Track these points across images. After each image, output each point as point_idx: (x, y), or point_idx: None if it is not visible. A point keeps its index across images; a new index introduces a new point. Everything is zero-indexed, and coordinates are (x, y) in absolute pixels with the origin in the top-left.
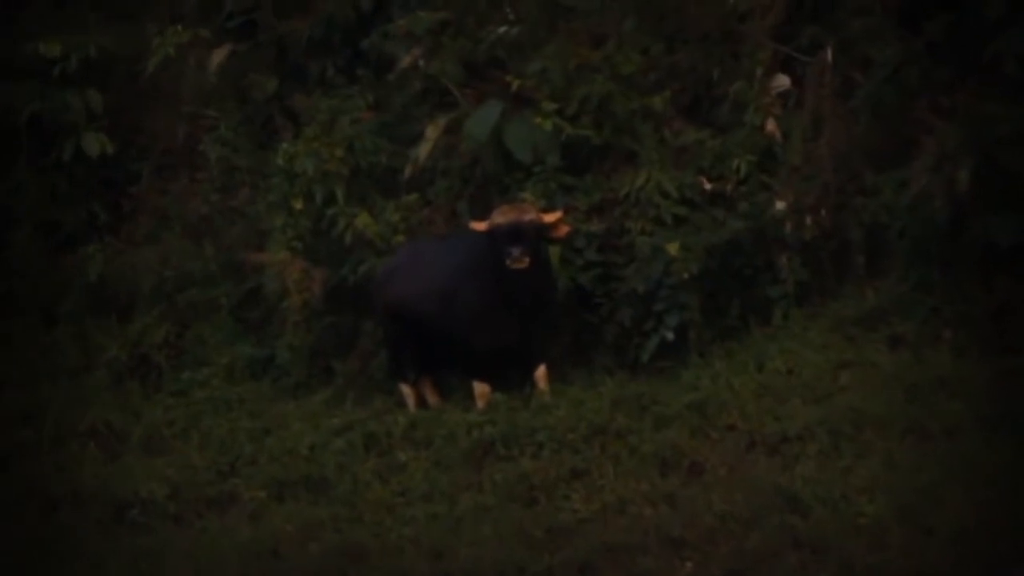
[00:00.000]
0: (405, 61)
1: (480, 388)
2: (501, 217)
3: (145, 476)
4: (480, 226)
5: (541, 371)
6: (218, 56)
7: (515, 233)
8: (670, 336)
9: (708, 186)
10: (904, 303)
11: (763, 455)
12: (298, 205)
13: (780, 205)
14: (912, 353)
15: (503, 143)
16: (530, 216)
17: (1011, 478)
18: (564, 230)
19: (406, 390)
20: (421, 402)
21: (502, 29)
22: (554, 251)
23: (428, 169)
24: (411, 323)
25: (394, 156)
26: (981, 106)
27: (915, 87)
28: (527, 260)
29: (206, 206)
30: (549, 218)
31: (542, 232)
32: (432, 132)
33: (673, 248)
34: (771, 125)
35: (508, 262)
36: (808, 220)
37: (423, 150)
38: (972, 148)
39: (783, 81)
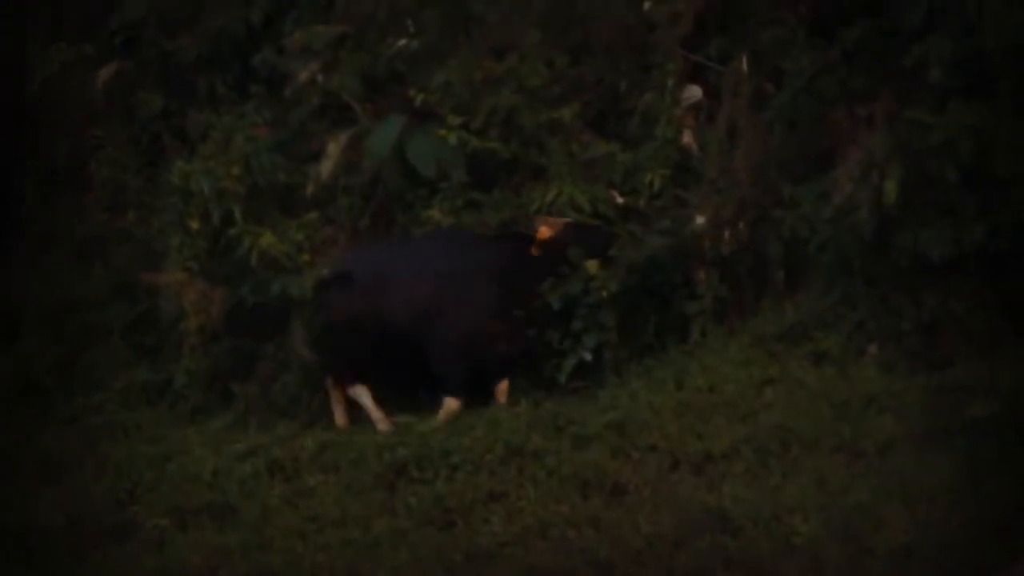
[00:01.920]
0: (302, 76)
1: (451, 404)
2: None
3: (40, 506)
4: (548, 232)
5: (503, 386)
6: (104, 74)
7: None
8: (588, 356)
9: (620, 200)
10: (827, 318)
11: (688, 474)
12: (194, 225)
13: (700, 220)
14: (837, 369)
15: (406, 159)
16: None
17: (947, 495)
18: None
19: (337, 395)
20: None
21: (402, 42)
22: None
23: (329, 186)
24: (374, 335)
25: (292, 173)
26: (910, 114)
27: (831, 96)
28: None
29: (95, 226)
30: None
31: None
32: (334, 148)
33: (592, 266)
34: (688, 137)
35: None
36: (726, 234)
37: (325, 167)
38: (900, 157)
39: (695, 92)
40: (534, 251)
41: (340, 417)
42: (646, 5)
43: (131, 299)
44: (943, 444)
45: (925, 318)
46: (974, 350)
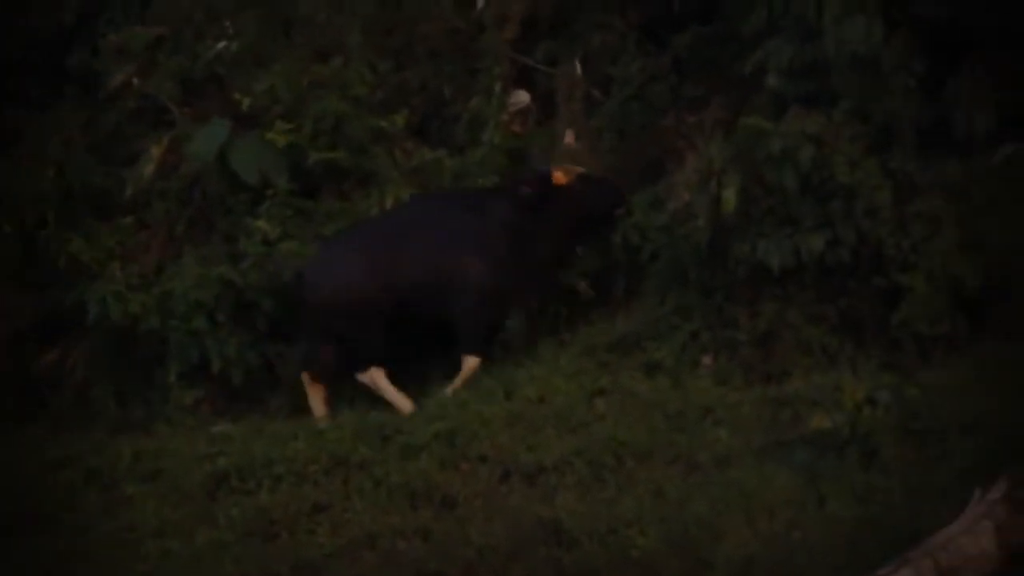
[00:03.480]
0: (118, 79)
1: (473, 362)
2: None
3: None
4: (563, 178)
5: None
6: None
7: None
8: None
9: None
10: (661, 328)
11: (519, 486)
12: (6, 228)
13: None
14: (671, 380)
15: (228, 164)
16: None
17: (788, 507)
18: None
19: (313, 388)
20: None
21: (221, 44)
22: None
23: (146, 191)
24: (386, 309)
25: (108, 177)
26: (749, 121)
27: (662, 104)
28: None
29: None
30: None
31: None
32: (156, 151)
33: None
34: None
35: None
36: None
37: (146, 170)
38: (739, 165)
39: (522, 97)
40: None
41: (320, 408)
42: (477, 6)
43: None
44: (782, 456)
45: (761, 329)
46: (812, 362)
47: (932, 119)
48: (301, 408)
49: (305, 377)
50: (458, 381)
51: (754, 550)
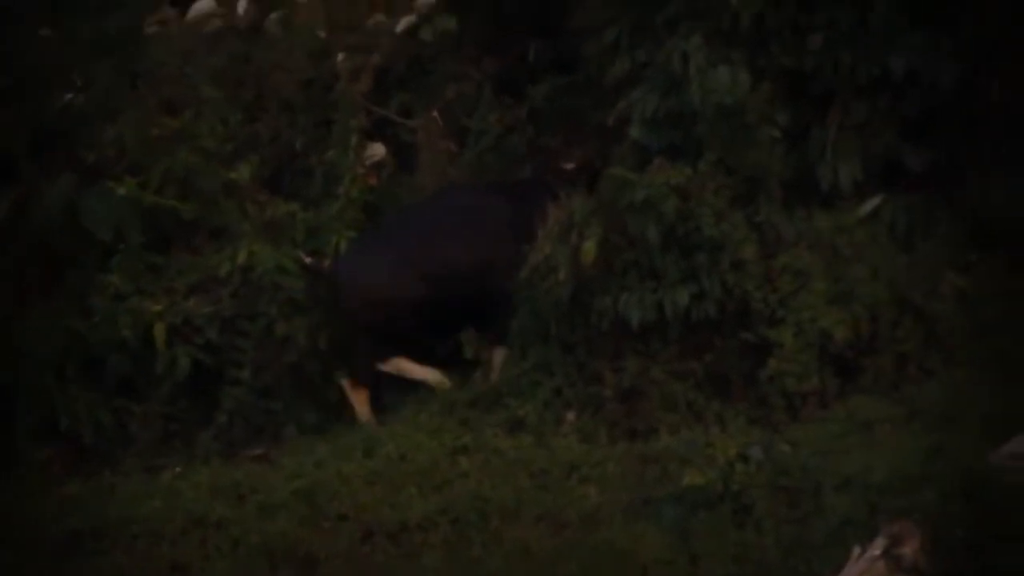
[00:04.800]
0: None
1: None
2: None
3: None
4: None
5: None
6: None
7: None
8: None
9: (308, 260)
10: (522, 385)
11: (382, 545)
12: None
13: None
14: (535, 437)
15: (78, 218)
16: None
17: (660, 566)
18: None
19: (357, 391)
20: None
21: (69, 96)
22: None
23: None
24: (421, 301)
25: None
26: (612, 171)
27: (521, 155)
28: None
29: None
30: None
31: None
32: (3, 206)
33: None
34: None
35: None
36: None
37: None
38: (601, 217)
39: (378, 150)
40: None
41: (365, 411)
42: (338, 58)
43: None
44: (652, 514)
45: (625, 385)
46: (678, 418)
47: (798, 170)
48: (154, 467)
49: (346, 384)
50: (494, 375)
51: None
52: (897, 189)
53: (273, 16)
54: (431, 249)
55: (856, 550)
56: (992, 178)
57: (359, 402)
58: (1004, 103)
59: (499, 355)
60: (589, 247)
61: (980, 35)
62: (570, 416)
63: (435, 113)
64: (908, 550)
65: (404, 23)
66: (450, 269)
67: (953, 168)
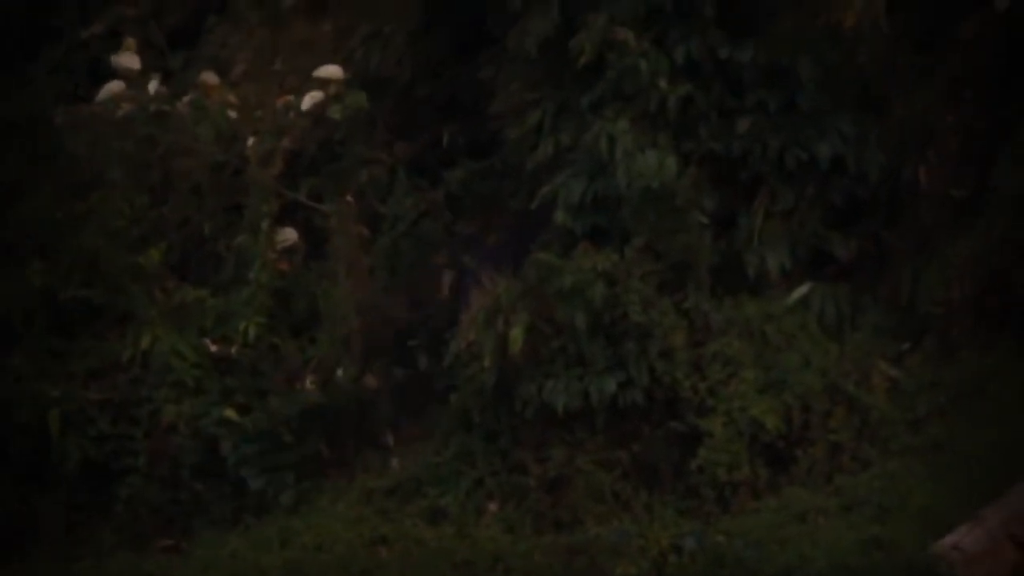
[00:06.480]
0: None
1: None
2: None
3: None
4: None
5: None
6: None
7: None
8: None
9: (213, 348)
10: (443, 473)
11: None
12: None
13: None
14: (456, 528)
15: None
16: None
17: None
18: None
19: None
20: None
21: None
22: None
23: None
24: None
25: None
26: (539, 257)
27: (437, 240)
28: None
29: None
30: None
31: None
32: None
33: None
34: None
35: None
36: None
37: None
38: (527, 303)
39: (290, 235)
40: None
41: None
42: (248, 142)
43: None
44: None
45: (550, 474)
46: (605, 509)
47: (725, 257)
48: (67, 557)
49: None
50: None
51: None
52: (824, 277)
53: (184, 99)
54: None
55: None
56: (919, 266)
57: None
58: (930, 191)
59: None
60: (516, 334)
61: (907, 121)
62: (492, 506)
63: (349, 197)
64: None
65: (310, 100)
66: None
67: (880, 256)
